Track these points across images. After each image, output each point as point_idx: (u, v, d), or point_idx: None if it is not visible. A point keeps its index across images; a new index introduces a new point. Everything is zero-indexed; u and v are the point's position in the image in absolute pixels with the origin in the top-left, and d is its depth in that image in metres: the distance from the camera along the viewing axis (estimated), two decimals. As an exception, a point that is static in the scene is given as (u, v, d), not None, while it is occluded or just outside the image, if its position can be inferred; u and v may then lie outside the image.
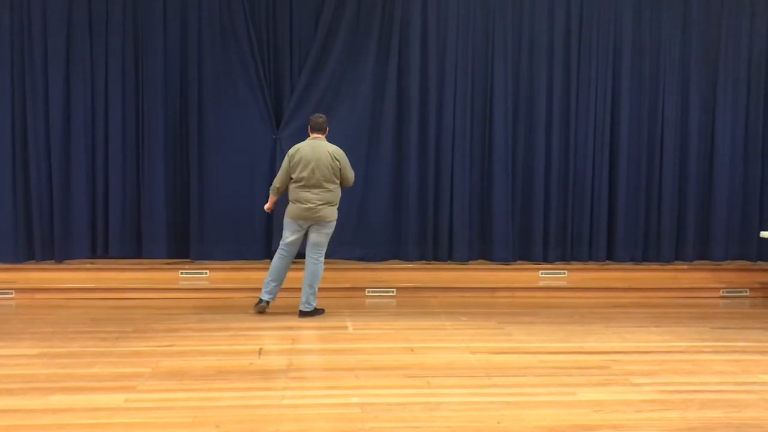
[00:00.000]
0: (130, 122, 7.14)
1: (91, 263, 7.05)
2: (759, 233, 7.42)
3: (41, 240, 6.99)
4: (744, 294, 7.25)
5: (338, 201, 5.98)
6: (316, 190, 5.82)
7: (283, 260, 6.00)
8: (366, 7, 7.27)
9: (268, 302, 6.01)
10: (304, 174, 5.82)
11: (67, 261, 7.02)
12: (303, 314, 5.95)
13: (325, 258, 7.32)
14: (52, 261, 7.00)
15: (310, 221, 5.90)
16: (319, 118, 6.02)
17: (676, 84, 7.61)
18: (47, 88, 6.93)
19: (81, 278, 6.80)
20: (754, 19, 7.66)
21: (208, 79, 7.16)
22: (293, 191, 5.90)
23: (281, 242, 6.04)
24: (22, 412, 3.69)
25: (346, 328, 5.65)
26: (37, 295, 6.54)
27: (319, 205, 5.84)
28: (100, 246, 7.14)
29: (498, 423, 3.62)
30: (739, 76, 7.68)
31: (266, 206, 6.20)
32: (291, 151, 5.97)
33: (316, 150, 5.85)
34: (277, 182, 6.01)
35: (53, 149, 6.96)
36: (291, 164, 5.89)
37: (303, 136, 7.18)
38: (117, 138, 7.10)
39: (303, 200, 5.84)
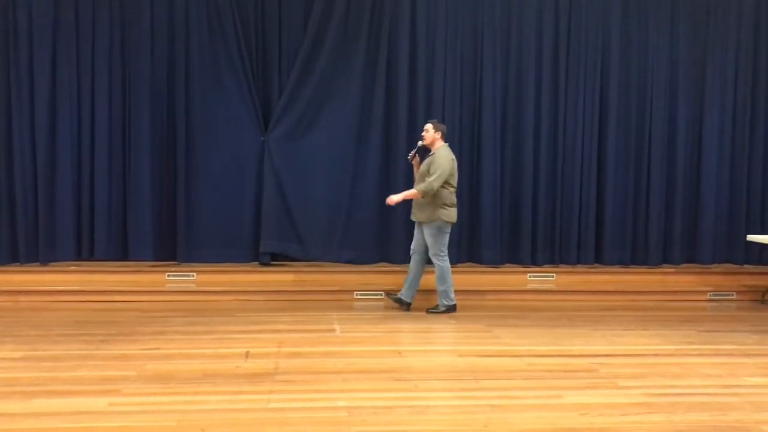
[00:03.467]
0: (117, 122, 7.08)
1: (77, 265, 6.99)
2: (745, 237, 7.47)
3: (25, 242, 6.92)
4: (731, 297, 7.29)
5: None
6: None
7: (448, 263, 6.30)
8: (355, 8, 7.25)
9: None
10: (455, 179, 6.21)
11: (52, 263, 6.95)
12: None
13: (314, 260, 7.38)
14: (37, 263, 6.94)
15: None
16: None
17: (663, 89, 7.65)
18: (32, 90, 6.88)
19: (66, 280, 6.73)
20: (740, 28, 7.71)
21: (195, 80, 7.11)
22: (449, 196, 6.13)
23: (445, 249, 6.23)
24: (4, 416, 3.64)
25: (333, 330, 5.63)
26: (21, 298, 6.48)
27: None
28: (86, 248, 7.08)
29: (485, 426, 3.60)
30: (726, 83, 7.74)
31: (396, 200, 6.24)
32: (451, 156, 6.15)
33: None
34: (438, 184, 6.06)
35: (38, 150, 6.90)
36: (452, 170, 6.10)
37: (292, 138, 7.24)
38: (103, 138, 7.04)
39: (456, 205, 6.22)
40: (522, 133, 7.51)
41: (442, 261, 6.20)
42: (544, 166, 7.53)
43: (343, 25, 7.26)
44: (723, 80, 7.73)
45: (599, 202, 7.65)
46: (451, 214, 6.17)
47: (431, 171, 6.07)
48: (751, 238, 7.26)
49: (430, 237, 6.18)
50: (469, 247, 7.54)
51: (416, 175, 6.39)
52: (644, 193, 7.67)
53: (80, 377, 4.29)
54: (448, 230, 6.23)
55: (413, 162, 6.42)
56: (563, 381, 4.38)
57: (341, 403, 3.90)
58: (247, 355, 4.83)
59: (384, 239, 7.42)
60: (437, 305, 6.32)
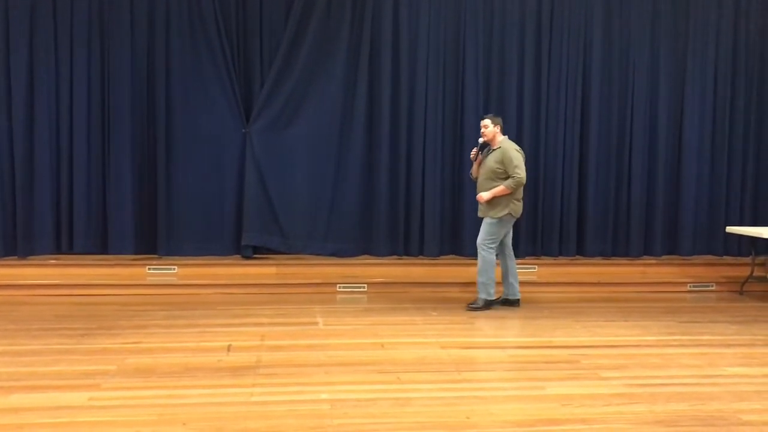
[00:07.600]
0: (96, 114, 7.00)
1: (56, 259, 6.91)
2: (725, 228, 7.54)
3: (3, 235, 6.83)
4: (710, 288, 7.36)
5: None
6: None
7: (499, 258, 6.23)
8: (337, -1, 7.22)
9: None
10: None
11: (30, 257, 6.87)
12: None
13: (296, 253, 7.36)
14: (15, 257, 6.85)
15: None
16: None
17: (645, 83, 7.69)
18: (9, 81, 6.78)
19: (45, 274, 6.66)
20: (720, 19, 7.76)
21: (176, 72, 7.04)
22: (521, 191, 6.05)
23: (494, 243, 6.05)
24: (-18, 412, 3.59)
25: (316, 323, 5.61)
26: (0, 292, 6.39)
27: None
28: (65, 241, 7.00)
29: (467, 418, 3.61)
30: (707, 75, 7.79)
31: (486, 198, 6.05)
32: (517, 147, 6.12)
33: None
34: (524, 175, 5.99)
35: (16, 143, 6.80)
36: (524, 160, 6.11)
37: (274, 130, 7.19)
38: (82, 132, 6.96)
39: (522, 199, 6.16)
40: (504, 125, 7.49)
41: (488, 252, 6.04)
42: (526, 159, 7.54)
43: (326, 15, 7.21)
44: (703, 74, 7.77)
45: (581, 194, 7.69)
46: (519, 208, 6.08)
47: (507, 166, 5.93)
48: (730, 229, 7.33)
49: (489, 226, 6.02)
50: (451, 239, 7.55)
51: (475, 172, 6.24)
52: (625, 186, 7.72)
53: (60, 372, 4.24)
54: (510, 224, 6.12)
55: (476, 160, 6.26)
56: (545, 372, 4.40)
57: (324, 396, 3.89)
58: (229, 348, 4.81)
59: (367, 232, 7.41)
60: (476, 300, 6.17)
